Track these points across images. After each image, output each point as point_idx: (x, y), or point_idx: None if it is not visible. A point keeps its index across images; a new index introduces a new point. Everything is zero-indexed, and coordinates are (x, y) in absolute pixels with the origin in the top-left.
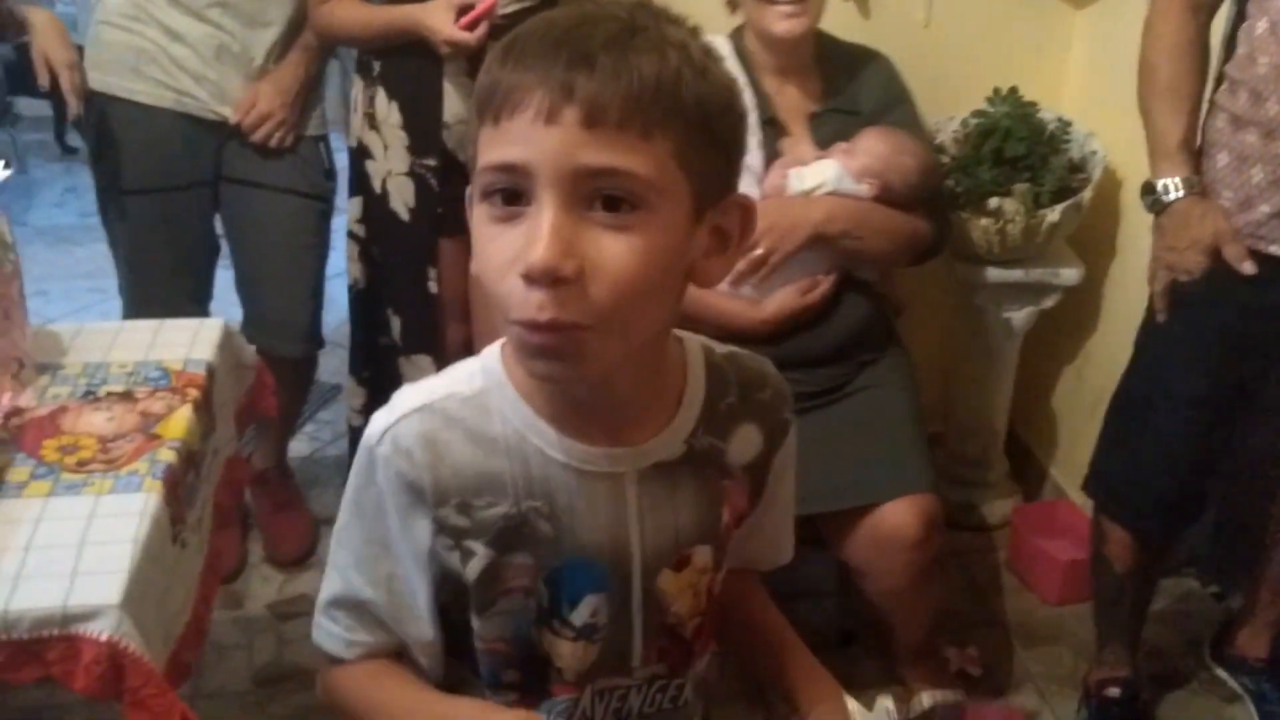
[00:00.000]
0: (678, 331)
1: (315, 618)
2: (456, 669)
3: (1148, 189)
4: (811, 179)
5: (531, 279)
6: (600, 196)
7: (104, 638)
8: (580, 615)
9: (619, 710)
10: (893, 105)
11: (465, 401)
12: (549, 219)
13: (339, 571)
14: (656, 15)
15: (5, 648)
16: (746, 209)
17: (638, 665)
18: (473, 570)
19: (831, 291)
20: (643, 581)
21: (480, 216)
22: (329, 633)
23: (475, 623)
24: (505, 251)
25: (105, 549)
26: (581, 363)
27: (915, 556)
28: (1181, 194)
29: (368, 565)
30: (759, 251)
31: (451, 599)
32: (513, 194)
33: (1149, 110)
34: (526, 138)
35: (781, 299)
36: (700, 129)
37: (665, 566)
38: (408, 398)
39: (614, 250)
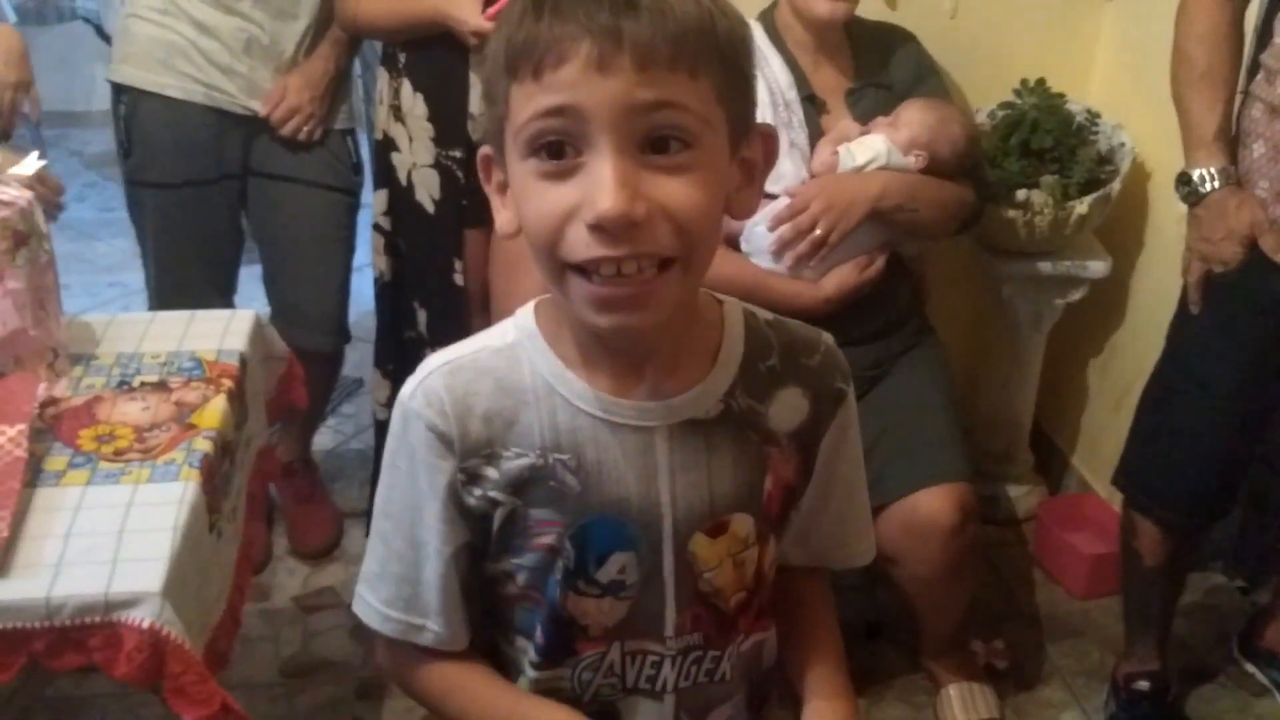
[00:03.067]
0: (716, 294)
1: (359, 590)
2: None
3: (1183, 179)
4: (862, 155)
5: (603, 228)
6: (651, 140)
7: (145, 625)
8: (606, 572)
9: (652, 679)
10: (924, 78)
11: (496, 353)
12: (612, 165)
13: (381, 538)
14: None
15: (47, 635)
16: (768, 137)
17: (672, 635)
18: (498, 518)
19: (884, 267)
20: (674, 543)
21: (525, 173)
22: (382, 615)
23: (508, 565)
24: (561, 203)
25: (145, 537)
26: (654, 306)
27: (950, 544)
28: (1217, 184)
29: (405, 528)
30: (818, 232)
31: (481, 550)
32: (558, 147)
33: (1183, 100)
34: (577, 86)
35: (841, 275)
36: (733, 65)
37: (699, 530)
38: (439, 355)
39: (676, 190)
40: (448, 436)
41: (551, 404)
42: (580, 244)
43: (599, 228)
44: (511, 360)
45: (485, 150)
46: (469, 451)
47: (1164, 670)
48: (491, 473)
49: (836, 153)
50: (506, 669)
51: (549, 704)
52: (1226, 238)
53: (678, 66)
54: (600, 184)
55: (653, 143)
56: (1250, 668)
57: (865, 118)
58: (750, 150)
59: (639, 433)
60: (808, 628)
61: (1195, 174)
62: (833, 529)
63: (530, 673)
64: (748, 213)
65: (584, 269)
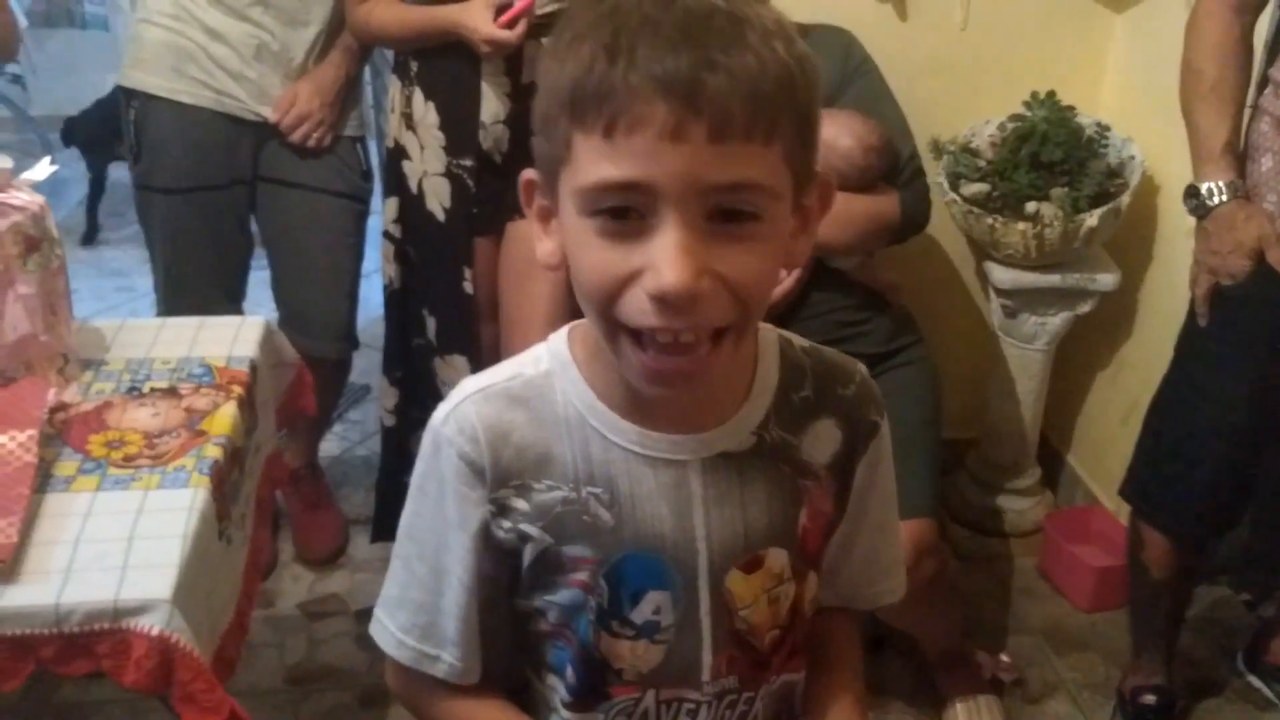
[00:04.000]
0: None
1: (376, 613)
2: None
3: (1191, 193)
4: None
5: (665, 302)
6: (720, 210)
7: (155, 632)
8: (641, 613)
9: None
10: (849, 81)
11: (529, 383)
12: (678, 240)
13: (403, 563)
14: (746, 3)
15: (56, 641)
16: (826, 185)
17: (708, 679)
18: (529, 554)
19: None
20: (710, 580)
21: (584, 229)
22: (397, 640)
23: (539, 602)
24: (621, 266)
25: (155, 544)
26: (703, 380)
27: (908, 581)
28: (1225, 198)
29: (429, 554)
30: None
31: (510, 585)
32: (623, 210)
33: (1192, 113)
34: (649, 156)
35: None
36: (805, 122)
37: (734, 565)
38: (473, 380)
39: (739, 260)
40: (479, 466)
41: (584, 436)
42: (638, 310)
43: (661, 300)
44: (545, 390)
45: (529, 175)
46: (500, 482)
47: (1170, 684)
48: (522, 505)
49: None
50: (537, 706)
51: None
52: (1234, 251)
53: (753, 134)
54: (665, 256)
55: (722, 211)
56: (1256, 681)
57: None
58: (809, 199)
59: (672, 466)
60: (832, 668)
61: (1204, 187)
62: (862, 567)
63: (562, 712)
64: (799, 262)
65: (638, 333)
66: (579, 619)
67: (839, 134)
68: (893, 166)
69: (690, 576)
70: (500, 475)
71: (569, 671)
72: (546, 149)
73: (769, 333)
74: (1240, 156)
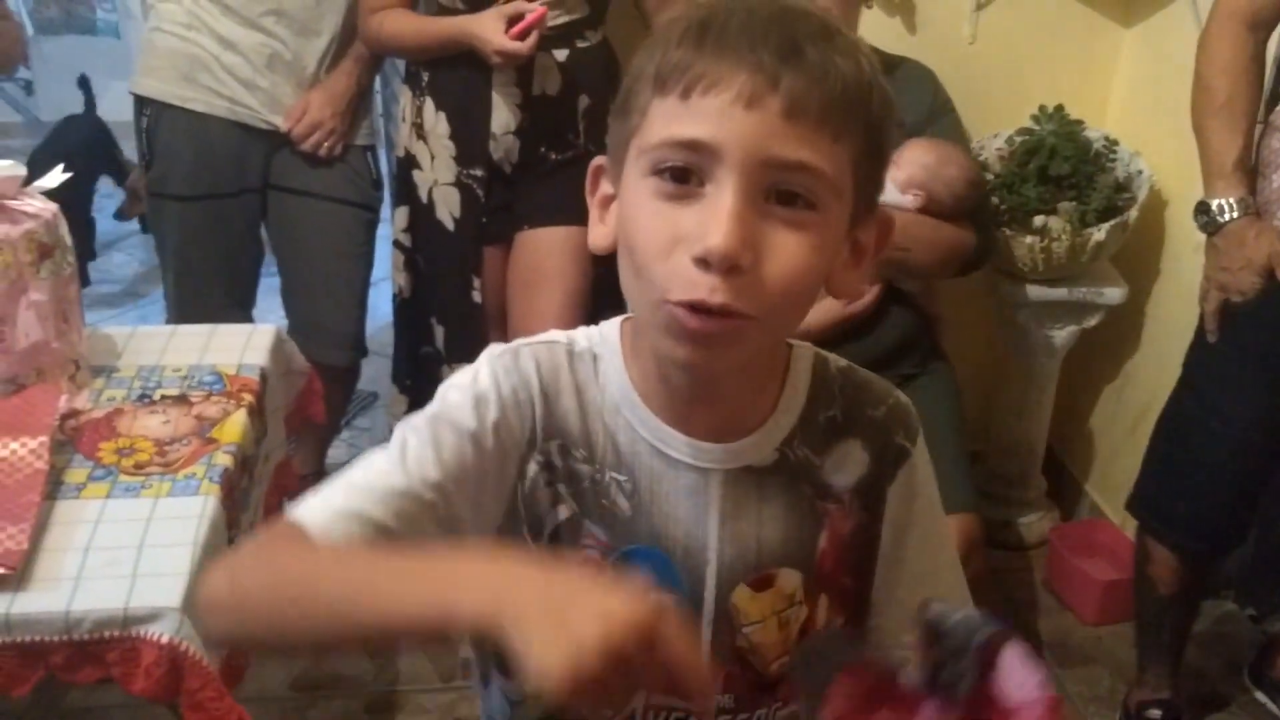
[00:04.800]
0: (790, 340)
1: (312, 498)
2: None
3: (1201, 209)
4: None
5: (709, 263)
6: (777, 190)
7: (164, 640)
8: None
9: None
10: (937, 116)
11: (580, 355)
12: (733, 205)
13: (385, 456)
14: (838, 22)
15: (66, 648)
16: (885, 225)
17: None
18: (559, 515)
19: (875, 302)
20: (716, 591)
21: (643, 190)
22: (339, 510)
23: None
24: (672, 229)
25: (165, 551)
26: (732, 351)
27: None
28: (1236, 214)
29: (429, 463)
30: None
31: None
32: (684, 172)
33: (1203, 129)
34: (721, 118)
35: (825, 310)
36: (876, 140)
37: (743, 581)
38: (530, 337)
39: (788, 246)
40: (531, 406)
41: (616, 423)
42: (680, 279)
43: (704, 261)
44: (591, 367)
45: (599, 161)
46: (549, 434)
47: (1176, 698)
48: (561, 464)
49: None
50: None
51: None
52: (1245, 267)
53: (824, 126)
54: (717, 219)
55: (779, 193)
56: (1261, 696)
57: None
58: (865, 233)
59: (694, 471)
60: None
61: (1214, 204)
62: (902, 618)
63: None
64: (849, 294)
65: (671, 296)
66: None
67: (945, 162)
68: (979, 205)
69: (697, 583)
70: (550, 427)
71: None
72: (621, 128)
73: (804, 349)
74: (1251, 173)
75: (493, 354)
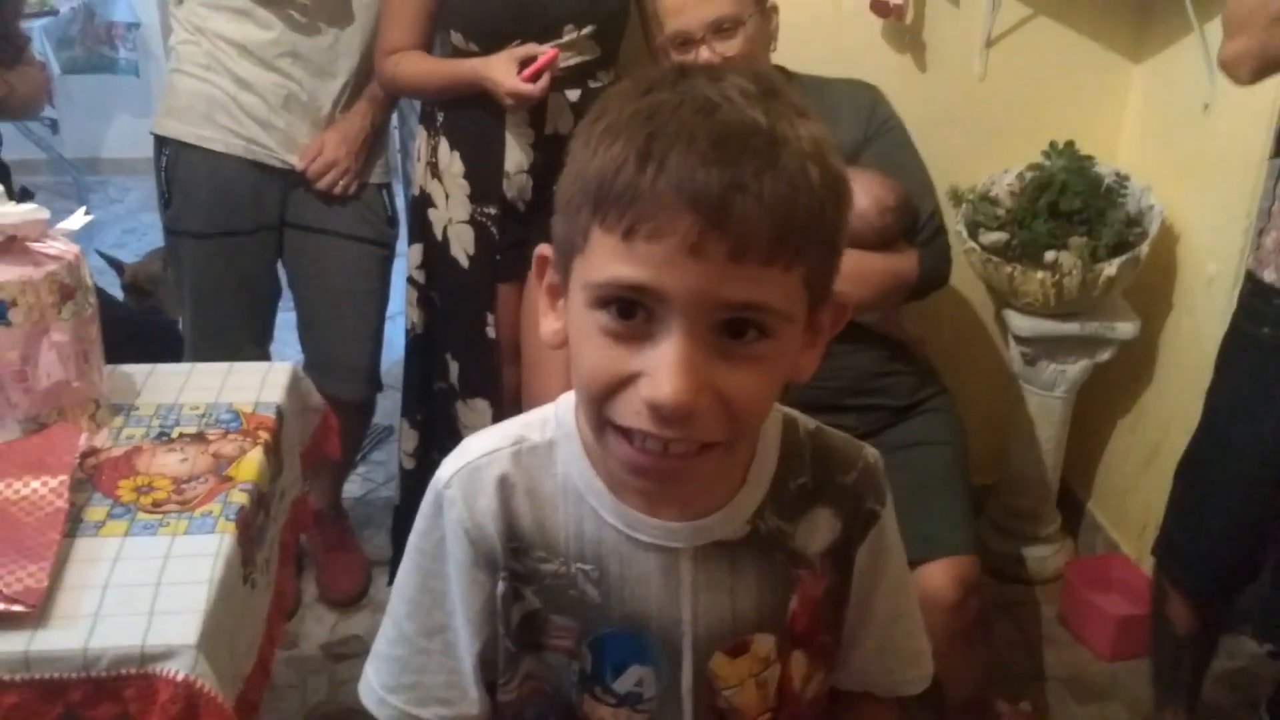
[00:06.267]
0: None
1: (365, 670)
2: None
3: None
4: None
5: (660, 413)
6: (728, 324)
7: (180, 677)
8: (624, 684)
9: None
10: (873, 138)
11: (533, 450)
12: (682, 352)
13: (393, 621)
14: (785, 108)
15: (84, 685)
16: (840, 309)
17: None
18: (520, 612)
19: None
20: (694, 661)
21: (590, 322)
22: (379, 698)
23: (526, 665)
24: (620, 366)
25: (181, 589)
26: (689, 481)
27: (951, 620)
28: None
29: (421, 612)
30: None
31: (509, 644)
32: (630, 306)
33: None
34: (665, 265)
35: None
36: (830, 246)
37: (719, 649)
38: (478, 442)
39: (741, 380)
40: (483, 529)
41: (580, 512)
42: (631, 412)
43: (656, 411)
44: (547, 461)
45: (544, 250)
46: (504, 544)
47: None
48: (518, 567)
49: None
50: None
51: None
52: None
53: (774, 261)
54: (667, 367)
55: (729, 326)
56: None
57: None
58: (823, 317)
59: (664, 552)
60: None
61: None
62: (875, 657)
63: None
64: (805, 376)
65: (628, 431)
66: (563, 680)
67: (856, 194)
68: (911, 225)
69: (674, 655)
70: (505, 537)
71: None
72: (564, 232)
73: (774, 415)
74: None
75: (444, 499)
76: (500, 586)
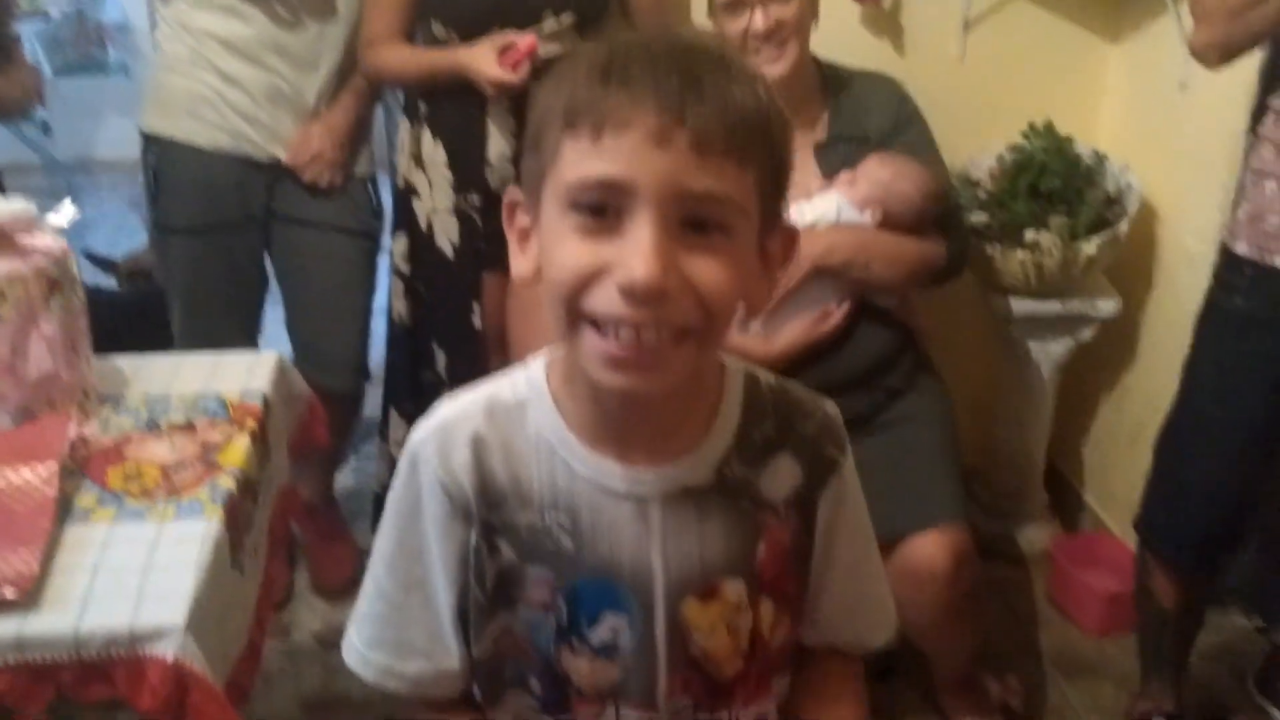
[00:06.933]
0: (723, 357)
1: (347, 631)
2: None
3: None
4: (811, 213)
5: (634, 295)
6: (691, 219)
7: (170, 658)
8: (598, 635)
9: None
10: (902, 128)
11: (505, 408)
12: (652, 237)
13: (373, 579)
14: (731, 50)
15: (74, 667)
16: (790, 236)
17: (664, 699)
18: (495, 567)
19: (845, 321)
20: (666, 608)
21: (563, 225)
22: (361, 656)
23: (500, 621)
24: (593, 260)
25: (170, 573)
26: (663, 373)
27: (945, 590)
28: None
29: (400, 570)
30: None
31: (481, 598)
32: (601, 207)
33: None
34: (633, 157)
35: (790, 332)
36: (777, 159)
37: (690, 594)
38: (451, 405)
39: (706, 267)
40: (458, 485)
41: (552, 465)
42: (605, 300)
43: (630, 292)
44: (519, 417)
45: (513, 195)
46: (478, 499)
47: (1180, 709)
48: (496, 520)
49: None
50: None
51: None
52: None
53: (730, 155)
54: (638, 251)
55: (692, 222)
56: (1268, 706)
57: (835, 171)
58: (773, 244)
59: (634, 500)
60: (827, 707)
61: None
62: (841, 608)
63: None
64: (761, 303)
65: (600, 324)
66: (539, 635)
67: (900, 177)
68: (945, 214)
69: (647, 602)
70: (479, 493)
71: (534, 683)
72: (533, 164)
73: (736, 368)
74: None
75: (419, 458)
76: (473, 538)
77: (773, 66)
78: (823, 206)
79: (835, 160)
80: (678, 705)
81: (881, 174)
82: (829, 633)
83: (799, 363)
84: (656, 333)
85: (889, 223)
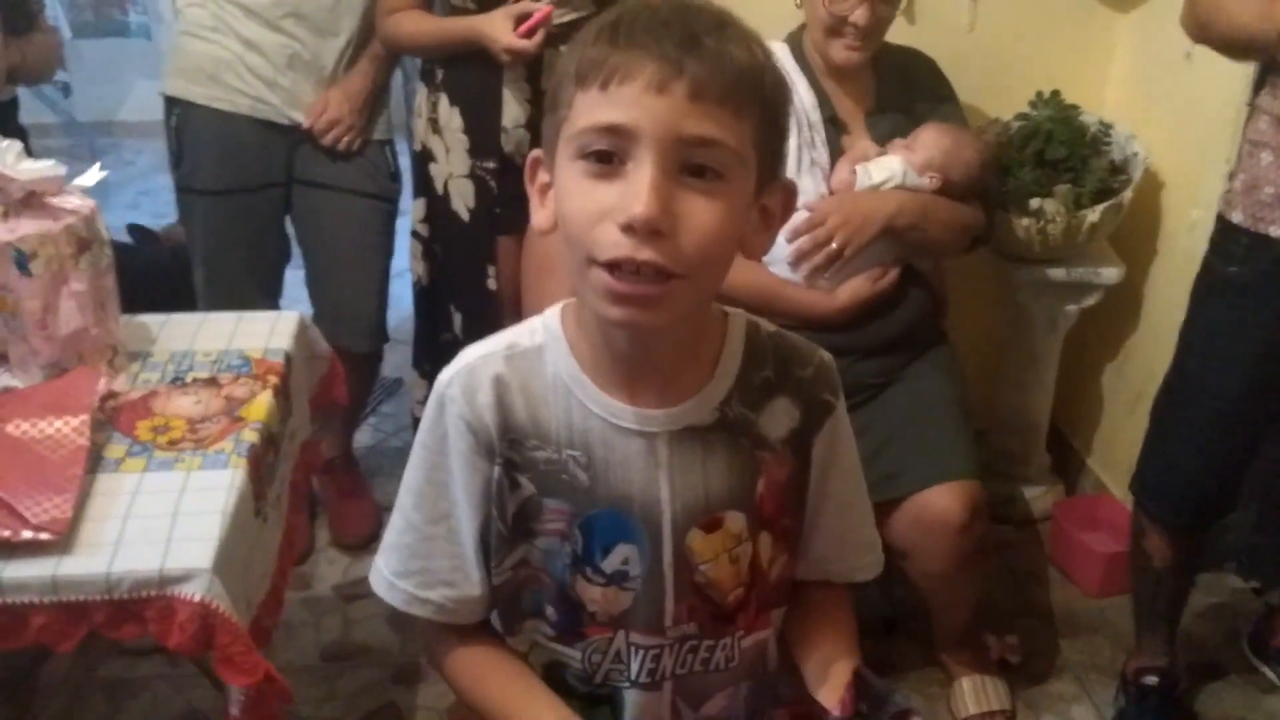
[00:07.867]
0: (725, 307)
1: (375, 562)
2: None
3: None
4: (879, 174)
5: (633, 229)
6: (689, 165)
7: (197, 599)
8: (611, 563)
9: (653, 671)
10: (943, 101)
11: (525, 352)
12: (651, 177)
13: (400, 512)
14: (732, 15)
15: (107, 607)
16: (788, 192)
17: (670, 624)
18: (516, 500)
19: (897, 280)
20: (673, 537)
21: (573, 171)
22: (389, 583)
23: (519, 552)
24: (599, 203)
25: (196, 519)
26: (661, 310)
27: (959, 541)
28: None
29: (427, 503)
30: (834, 245)
31: (503, 529)
32: (607, 154)
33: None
34: (635, 103)
35: (854, 287)
36: (773, 115)
37: (695, 525)
38: (474, 349)
39: (703, 211)
40: (482, 423)
41: (568, 404)
42: (609, 243)
43: (630, 228)
44: (537, 361)
45: (536, 153)
46: (501, 436)
47: (1173, 666)
48: (516, 457)
49: (854, 171)
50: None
51: (549, 704)
52: None
53: (725, 104)
54: (638, 191)
55: (690, 168)
56: (1261, 665)
57: (884, 139)
58: (771, 199)
59: (643, 437)
60: (819, 632)
61: None
62: (831, 542)
63: (547, 645)
64: (759, 254)
65: (607, 265)
66: (555, 564)
67: (961, 145)
68: (988, 185)
69: (655, 533)
70: (501, 430)
71: (549, 610)
72: (552, 121)
73: (738, 318)
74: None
75: (445, 398)
76: (496, 473)
77: (853, 55)
78: (889, 168)
79: (884, 128)
80: (683, 631)
81: (943, 141)
82: (821, 566)
83: (856, 319)
84: (655, 270)
85: (944, 189)
